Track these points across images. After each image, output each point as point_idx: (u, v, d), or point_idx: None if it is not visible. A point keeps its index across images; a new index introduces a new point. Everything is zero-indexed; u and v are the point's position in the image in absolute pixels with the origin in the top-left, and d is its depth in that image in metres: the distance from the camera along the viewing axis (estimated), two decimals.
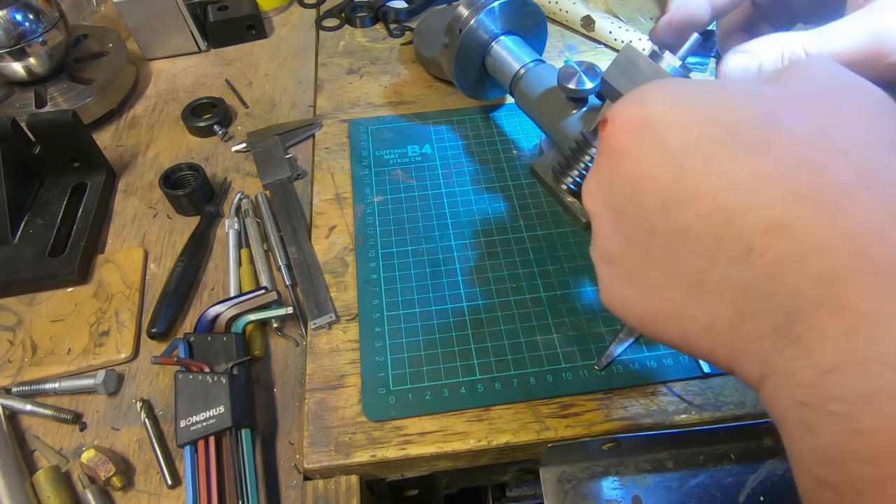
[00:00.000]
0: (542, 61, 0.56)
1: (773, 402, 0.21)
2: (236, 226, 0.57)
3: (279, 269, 0.53)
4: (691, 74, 0.40)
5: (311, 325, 0.48)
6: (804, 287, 0.19)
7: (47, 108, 0.65)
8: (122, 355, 0.49)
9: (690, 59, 0.68)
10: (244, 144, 0.65)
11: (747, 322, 0.22)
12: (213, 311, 0.48)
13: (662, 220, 0.23)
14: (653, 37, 0.40)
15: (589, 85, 0.48)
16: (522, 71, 0.55)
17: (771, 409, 0.22)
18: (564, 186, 0.44)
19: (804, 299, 0.19)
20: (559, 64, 0.54)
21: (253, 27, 0.79)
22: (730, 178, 0.21)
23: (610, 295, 0.29)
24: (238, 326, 0.48)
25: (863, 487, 0.18)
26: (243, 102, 0.71)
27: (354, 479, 0.42)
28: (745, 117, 0.22)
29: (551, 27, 0.76)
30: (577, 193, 0.44)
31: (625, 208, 0.25)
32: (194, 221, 0.58)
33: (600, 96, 0.47)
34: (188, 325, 0.51)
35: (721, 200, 0.21)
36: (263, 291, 0.49)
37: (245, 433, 0.42)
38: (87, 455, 0.42)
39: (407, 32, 0.79)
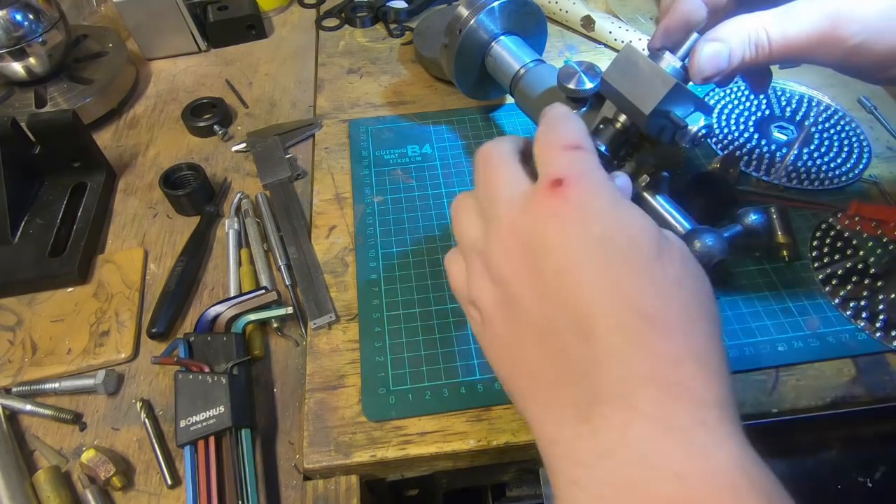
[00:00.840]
0: (542, 61, 0.56)
1: (553, 471, 0.27)
2: (236, 226, 0.57)
3: (279, 269, 0.53)
4: None
5: (311, 325, 0.48)
6: (613, 380, 0.25)
7: (47, 108, 0.65)
8: (122, 355, 0.49)
9: None
10: (244, 144, 0.65)
11: (562, 388, 0.27)
12: (213, 311, 0.48)
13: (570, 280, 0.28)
14: (651, 45, 0.40)
15: (589, 85, 0.48)
16: (522, 71, 0.55)
17: (551, 474, 0.27)
18: None
19: (609, 389, 0.25)
20: (559, 64, 0.54)
21: (253, 27, 0.79)
22: (607, 282, 0.27)
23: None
24: (238, 326, 0.48)
25: None
26: (243, 102, 0.71)
27: (354, 479, 0.42)
28: (637, 247, 0.28)
29: (551, 27, 0.76)
30: None
31: (540, 261, 0.29)
32: (194, 221, 0.58)
33: (600, 96, 0.47)
34: (188, 325, 0.51)
35: (594, 297, 0.26)
36: (263, 291, 0.49)
37: (245, 433, 0.42)
38: (87, 455, 0.42)
39: (407, 32, 0.79)
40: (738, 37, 0.36)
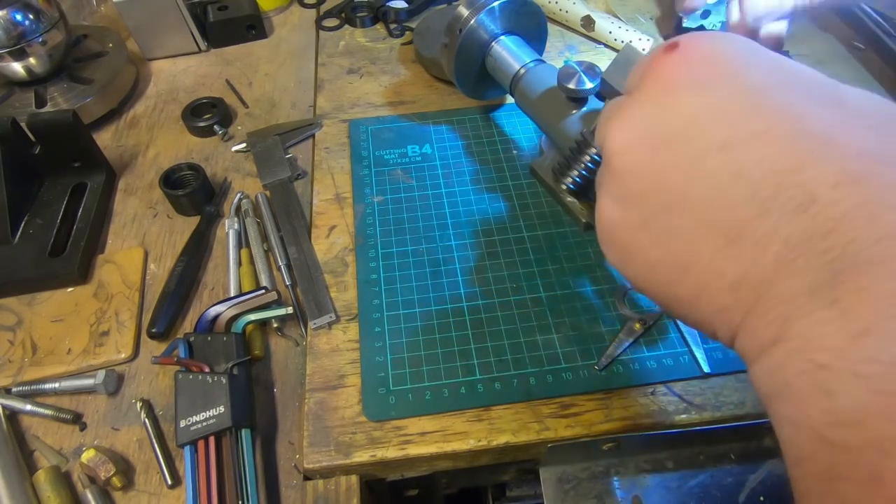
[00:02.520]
0: (542, 61, 0.56)
1: (777, 369, 0.20)
2: (236, 226, 0.57)
3: (279, 269, 0.53)
4: None
5: (311, 325, 0.48)
6: (865, 245, 0.18)
7: (47, 108, 0.65)
8: (122, 355, 0.49)
9: None
10: (244, 144, 0.65)
11: (783, 280, 0.20)
12: (213, 311, 0.48)
13: (716, 161, 0.22)
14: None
15: (589, 85, 0.48)
16: (522, 71, 0.55)
17: (771, 375, 0.21)
18: (564, 186, 0.44)
19: (860, 258, 0.18)
20: (559, 64, 0.54)
21: (253, 27, 0.79)
22: (804, 125, 0.20)
23: (613, 238, 0.27)
24: (238, 326, 0.48)
25: (888, 447, 0.17)
26: (243, 102, 0.71)
27: (354, 479, 0.42)
28: (819, 77, 0.22)
29: (551, 27, 0.76)
30: (577, 193, 0.44)
31: (668, 143, 0.24)
32: (194, 221, 0.58)
33: (600, 96, 0.47)
34: (188, 325, 0.51)
35: (791, 147, 0.20)
36: (263, 291, 0.49)
37: (245, 433, 0.42)
38: (87, 455, 0.42)
39: (407, 32, 0.79)
40: None
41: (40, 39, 0.63)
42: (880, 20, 0.72)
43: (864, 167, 0.19)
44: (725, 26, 0.40)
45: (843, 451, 0.18)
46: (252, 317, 0.48)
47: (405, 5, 0.81)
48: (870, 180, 0.19)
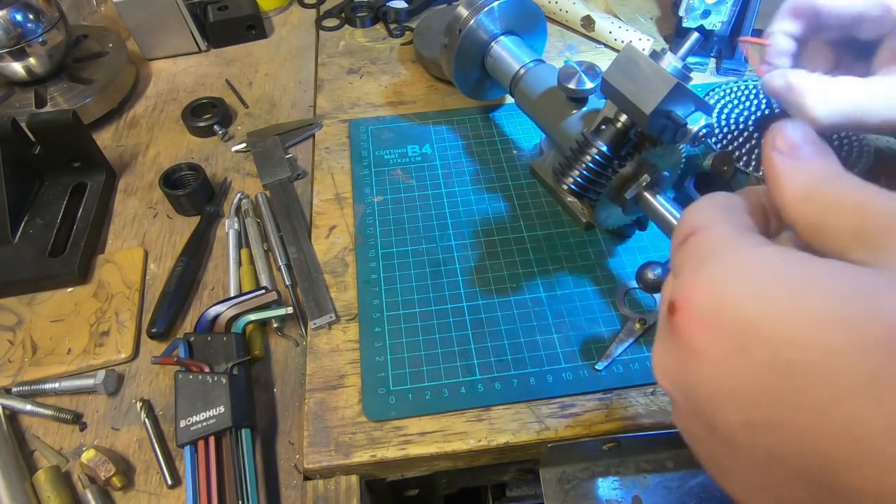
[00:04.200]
0: (542, 61, 0.56)
1: None
2: (236, 226, 0.57)
3: (279, 269, 0.53)
4: (691, 74, 0.40)
5: (311, 325, 0.48)
6: None
7: (47, 108, 0.65)
8: (122, 355, 0.49)
9: (690, 59, 0.68)
10: (244, 144, 0.65)
11: None
12: (213, 311, 0.48)
13: (746, 438, 0.19)
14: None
15: (589, 85, 0.48)
16: (522, 71, 0.55)
17: None
18: (565, 186, 0.44)
19: None
20: (559, 64, 0.54)
21: (253, 27, 0.79)
22: (832, 424, 0.16)
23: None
24: (238, 326, 0.48)
25: None
26: (243, 102, 0.71)
27: (354, 479, 0.42)
28: (848, 337, 0.16)
29: (551, 27, 0.76)
30: (577, 193, 0.44)
31: (700, 409, 0.20)
32: (194, 221, 0.58)
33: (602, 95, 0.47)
34: (188, 325, 0.51)
35: (821, 446, 0.17)
36: (263, 291, 0.49)
37: (245, 433, 0.42)
38: (87, 455, 0.42)
39: (407, 32, 0.79)
40: (814, 92, 0.33)
41: (40, 39, 0.63)
42: None
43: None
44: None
45: None
46: (252, 317, 0.48)
47: (405, 5, 0.81)
48: None
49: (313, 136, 0.66)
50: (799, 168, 0.21)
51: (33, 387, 0.47)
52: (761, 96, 0.65)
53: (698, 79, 0.69)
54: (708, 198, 0.24)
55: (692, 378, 0.20)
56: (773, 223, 0.24)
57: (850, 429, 0.16)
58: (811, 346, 0.17)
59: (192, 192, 0.57)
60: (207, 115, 0.67)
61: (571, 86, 0.48)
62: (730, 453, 0.20)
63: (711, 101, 0.65)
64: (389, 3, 0.81)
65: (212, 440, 0.41)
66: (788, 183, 0.21)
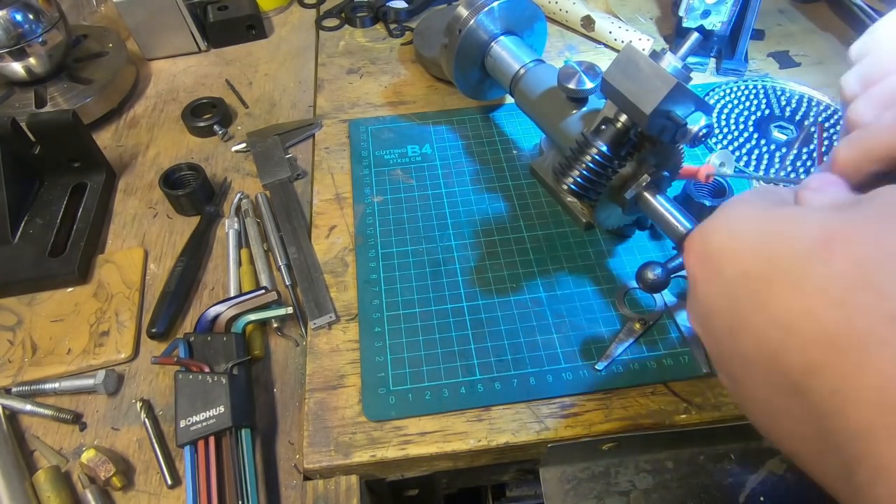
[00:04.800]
0: (542, 61, 0.56)
1: None
2: (236, 226, 0.57)
3: (279, 269, 0.53)
4: (691, 74, 0.40)
5: (311, 325, 0.48)
6: (846, 441, 0.19)
7: (47, 108, 0.65)
8: (122, 355, 0.49)
9: (691, 59, 0.68)
10: (244, 144, 0.65)
11: (824, 456, 0.20)
12: (213, 311, 0.48)
13: (730, 345, 0.24)
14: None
15: (589, 85, 0.48)
16: (522, 71, 0.55)
17: None
18: (565, 186, 0.44)
19: (848, 453, 0.19)
20: (559, 64, 0.54)
21: (253, 27, 0.79)
22: (769, 314, 0.21)
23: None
24: (238, 326, 0.48)
25: None
26: (243, 102, 0.71)
27: (354, 479, 0.42)
28: (787, 250, 0.22)
29: (551, 27, 0.76)
30: (577, 193, 0.44)
31: (705, 327, 0.26)
32: (194, 221, 0.58)
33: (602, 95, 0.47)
34: (188, 325, 0.51)
35: (765, 337, 0.22)
36: (263, 291, 0.49)
37: (245, 433, 0.42)
38: (87, 455, 0.42)
39: (407, 32, 0.79)
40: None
41: (40, 39, 0.63)
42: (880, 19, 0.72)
43: (824, 356, 0.20)
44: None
45: None
46: (252, 317, 0.48)
47: (405, 5, 0.81)
48: (827, 369, 0.19)
49: (313, 136, 0.66)
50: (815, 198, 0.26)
51: (33, 387, 0.47)
52: (761, 96, 0.65)
53: (698, 79, 0.69)
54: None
55: (695, 303, 0.26)
56: None
57: (784, 315, 0.21)
58: (759, 257, 0.22)
59: (192, 192, 0.57)
60: (207, 115, 0.67)
61: (571, 86, 0.48)
62: (731, 373, 0.25)
63: (711, 101, 0.65)
64: (389, 3, 0.81)
65: (212, 440, 0.41)
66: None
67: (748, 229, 0.24)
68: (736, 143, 0.60)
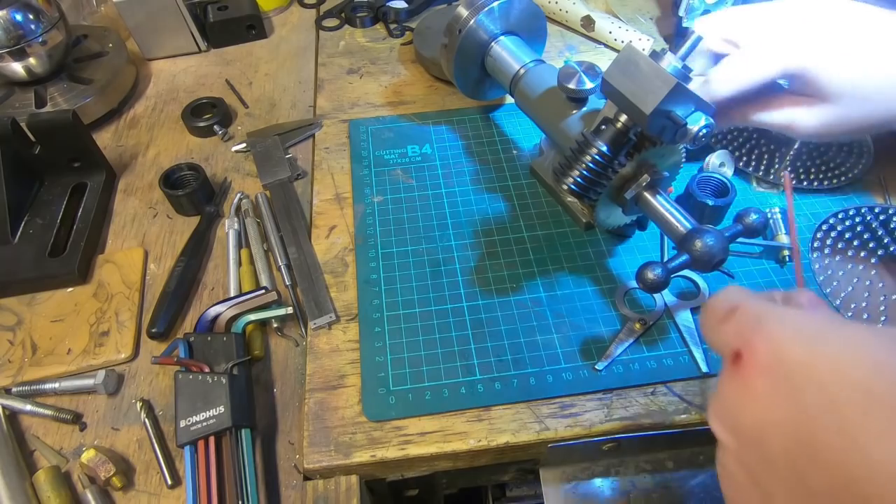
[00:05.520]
0: (542, 61, 0.56)
1: None
2: (236, 226, 0.57)
3: (279, 269, 0.53)
4: (691, 74, 0.40)
5: (311, 325, 0.48)
6: None
7: (47, 108, 0.65)
8: (122, 355, 0.49)
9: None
10: (244, 144, 0.65)
11: None
12: (213, 311, 0.48)
13: (785, 469, 0.23)
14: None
15: (589, 85, 0.48)
16: (522, 71, 0.55)
17: None
18: (565, 186, 0.44)
19: None
20: (559, 64, 0.54)
21: (253, 27, 0.79)
22: (865, 455, 0.20)
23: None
24: (238, 326, 0.48)
25: None
26: (243, 102, 0.71)
27: (354, 479, 0.42)
28: (887, 384, 0.21)
29: (551, 27, 0.76)
30: (577, 193, 0.44)
31: (749, 443, 0.25)
32: (194, 221, 0.58)
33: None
34: (188, 325, 0.51)
35: (855, 480, 0.20)
36: (263, 291, 0.49)
37: (245, 433, 0.42)
38: (87, 455, 0.42)
39: (407, 32, 0.79)
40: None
41: (40, 39, 0.63)
42: None
43: None
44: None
45: None
46: (252, 317, 0.48)
47: (405, 5, 0.81)
48: None
49: (313, 136, 0.66)
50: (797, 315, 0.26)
51: (33, 387, 0.47)
52: None
53: (698, 79, 0.69)
54: (727, 289, 0.29)
55: (746, 415, 0.24)
56: None
57: (874, 464, 0.20)
58: (850, 385, 0.21)
59: (192, 192, 0.57)
60: (207, 115, 0.67)
61: (571, 86, 0.48)
62: (769, 480, 0.24)
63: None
64: (389, 3, 0.81)
65: (212, 440, 0.41)
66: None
67: (834, 349, 0.22)
68: (736, 143, 0.60)
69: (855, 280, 0.48)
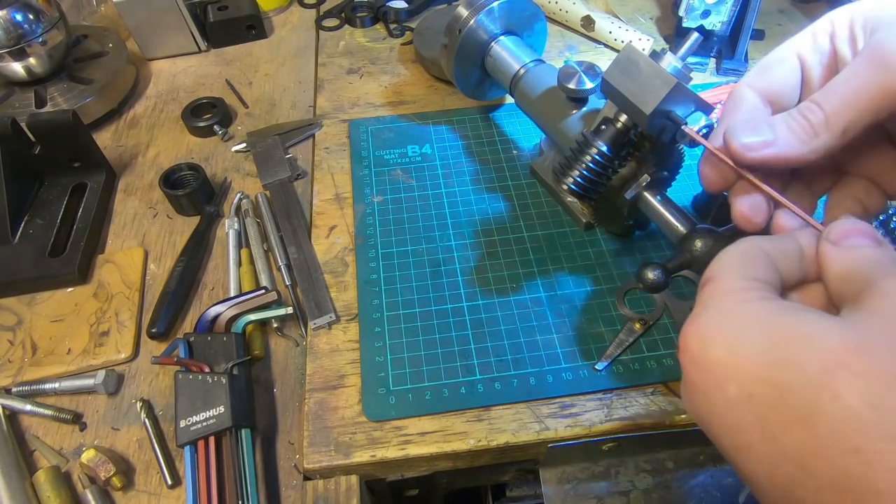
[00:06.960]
0: (542, 61, 0.56)
1: None
2: (236, 226, 0.57)
3: (279, 269, 0.53)
4: (691, 74, 0.40)
5: (311, 325, 0.48)
6: None
7: (47, 108, 0.65)
8: (122, 355, 0.49)
9: (691, 59, 0.68)
10: (244, 144, 0.65)
11: None
12: (213, 311, 0.48)
13: (735, 459, 0.23)
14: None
15: (589, 85, 0.48)
16: (522, 71, 0.55)
17: None
18: (565, 186, 0.44)
19: None
20: (559, 64, 0.54)
21: (253, 27, 0.79)
22: (780, 447, 0.21)
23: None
24: (238, 326, 0.48)
25: None
26: (243, 102, 0.71)
27: (354, 479, 0.42)
28: (797, 378, 0.21)
29: (551, 27, 0.76)
30: (577, 193, 0.44)
31: (703, 428, 0.25)
32: (194, 221, 0.58)
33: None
34: (188, 325, 0.51)
35: (777, 469, 0.21)
36: (263, 291, 0.49)
37: (245, 433, 0.42)
38: (87, 455, 0.42)
39: (407, 32, 0.79)
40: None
41: (40, 39, 0.63)
42: None
43: None
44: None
45: None
46: (252, 317, 0.48)
47: (405, 5, 0.81)
48: None
49: (313, 136, 0.66)
50: (840, 256, 0.25)
51: (33, 387, 0.47)
52: None
53: (698, 79, 0.69)
54: (737, 244, 0.27)
55: (693, 405, 0.25)
56: (812, 270, 0.27)
57: (795, 451, 0.20)
58: (765, 383, 0.21)
59: (192, 192, 0.57)
60: (207, 115, 0.67)
61: (571, 86, 0.48)
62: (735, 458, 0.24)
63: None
64: (389, 3, 0.81)
65: (212, 440, 0.41)
66: (832, 266, 0.25)
67: (750, 345, 0.22)
68: None
69: None
